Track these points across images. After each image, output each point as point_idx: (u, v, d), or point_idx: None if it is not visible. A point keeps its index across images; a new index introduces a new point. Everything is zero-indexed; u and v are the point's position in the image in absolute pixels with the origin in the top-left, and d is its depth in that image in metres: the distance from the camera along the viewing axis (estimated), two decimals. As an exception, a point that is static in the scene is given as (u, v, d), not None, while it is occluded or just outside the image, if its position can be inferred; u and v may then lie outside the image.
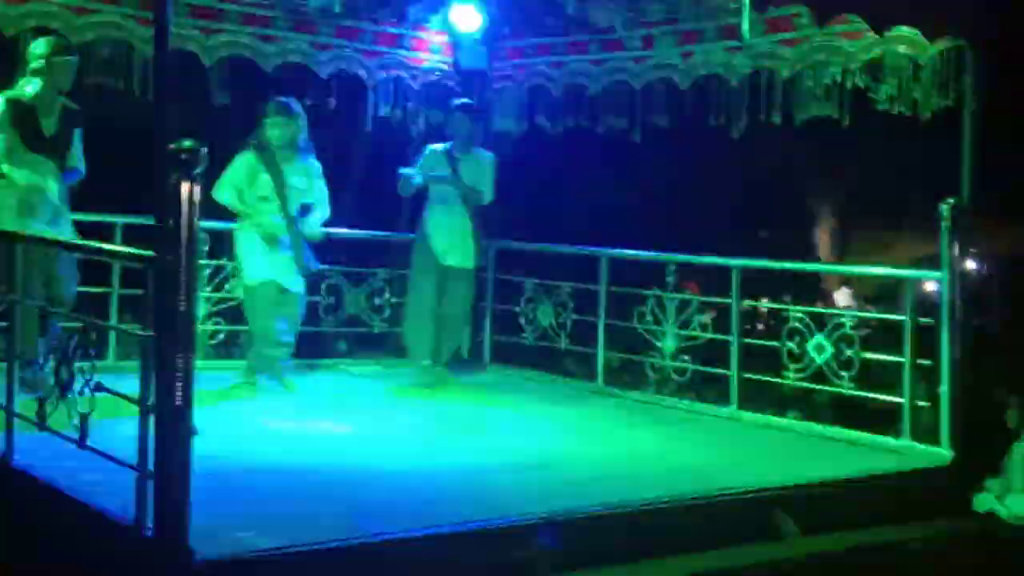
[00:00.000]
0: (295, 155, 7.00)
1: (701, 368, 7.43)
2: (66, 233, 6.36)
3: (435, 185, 7.55)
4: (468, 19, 8.41)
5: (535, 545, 4.31)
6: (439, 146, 7.67)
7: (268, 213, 6.88)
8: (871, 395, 6.52)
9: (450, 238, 7.49)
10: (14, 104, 6.35)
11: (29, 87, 6.40)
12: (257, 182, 6.89)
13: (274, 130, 6.93)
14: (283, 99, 7.07)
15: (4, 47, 6.88)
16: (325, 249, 7.34)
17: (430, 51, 8.66)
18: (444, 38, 8.66)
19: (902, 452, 6.07)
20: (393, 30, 8.47)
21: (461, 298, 7.61)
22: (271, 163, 6.91)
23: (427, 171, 7.52)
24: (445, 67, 8.73)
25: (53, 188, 6.42)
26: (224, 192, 6.85)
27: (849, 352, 6.45)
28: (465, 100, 7.94)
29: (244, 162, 6.93)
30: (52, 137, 6.45)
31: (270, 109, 6.98)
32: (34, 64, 6.40)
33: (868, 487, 5.56)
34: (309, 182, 7.06)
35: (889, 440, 6.23)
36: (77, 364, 4.22)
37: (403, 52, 8.54)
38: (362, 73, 8.39)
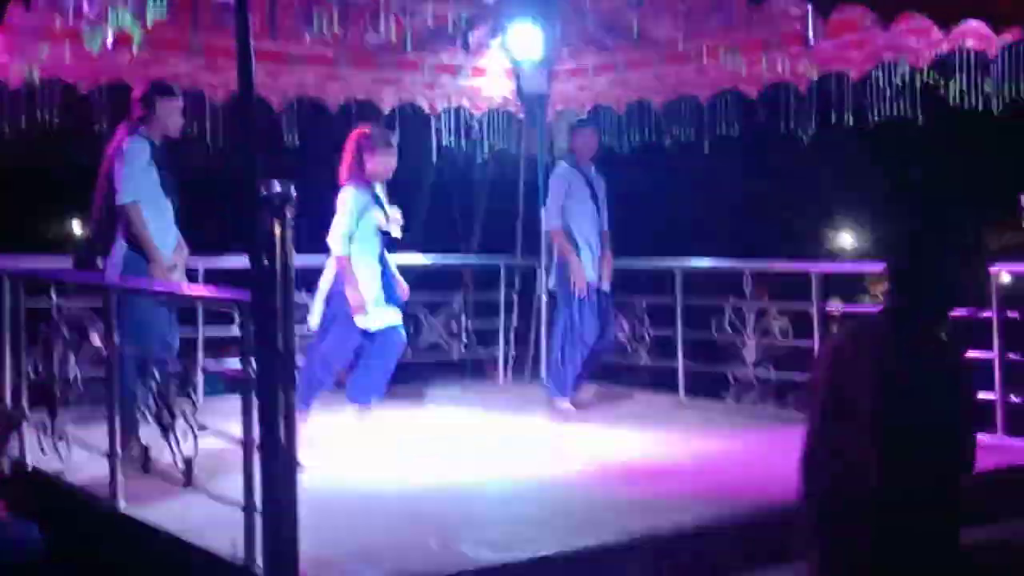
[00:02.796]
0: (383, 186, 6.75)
1: (784, 374, 7.39)
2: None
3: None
4: (527, 43, 8.48)
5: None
6: (565, 166, 7.49)
7: (375, 250, 6.63)
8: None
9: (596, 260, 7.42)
10: (149, 145, 5.92)
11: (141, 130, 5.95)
12: (368, 216, 6.54)
13: (389, 159, 6.61)
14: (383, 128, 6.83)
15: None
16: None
17: (491, 78, 8.75)
18: (504, 64, 8.75)
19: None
20: (453, 60, 8.56)
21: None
22: (375, 196, 6.61)
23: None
24: (506, 93, 8.81)
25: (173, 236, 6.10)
26: (344, 239, 6.44)
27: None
28: (584, 118, 7.96)
29: (355, 197, 6.53)
30: (171, 182, 6.05)
31: (384, 138, 6.66)
32: (141, 110, 5.99)
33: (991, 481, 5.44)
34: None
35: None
36: (179, 406, 4.32)
37: (463, 81, 8.63)
38: (424, 105, 8.49)
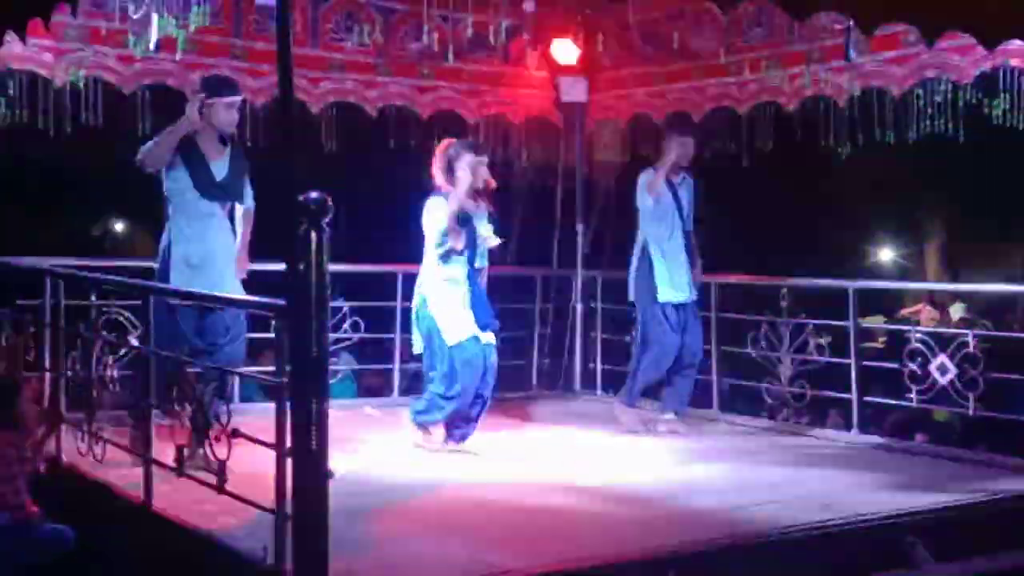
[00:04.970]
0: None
1: (820, 393, 7.33)
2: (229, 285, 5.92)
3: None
4: (568, 53, 8.51)
5: None
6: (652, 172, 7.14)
7: (460, 263, 6.36)
8: (998, 415, 6.35)
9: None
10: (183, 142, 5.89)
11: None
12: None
13: (480, 166, 6.29)
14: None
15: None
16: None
17: (530, 87, 8.77)
18: (544, 73, 8.76)
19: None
20: (492, 69, 8.59)
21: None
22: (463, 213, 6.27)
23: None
24: (545, 102, 8.83)
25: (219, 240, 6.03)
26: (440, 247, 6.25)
27: (973, 372, 6.32)
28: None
29: (440, 209, 6.26)
30: (222, 182, 6.01)
31: (470, 148, 6.41)
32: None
33: (1001, 509, 5.41)
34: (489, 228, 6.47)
35: (1020, 460, 6.08)
36: (213, 410, 4.35)
37: (503, 89, 8.66)
38: (463, 112, 8.52)
